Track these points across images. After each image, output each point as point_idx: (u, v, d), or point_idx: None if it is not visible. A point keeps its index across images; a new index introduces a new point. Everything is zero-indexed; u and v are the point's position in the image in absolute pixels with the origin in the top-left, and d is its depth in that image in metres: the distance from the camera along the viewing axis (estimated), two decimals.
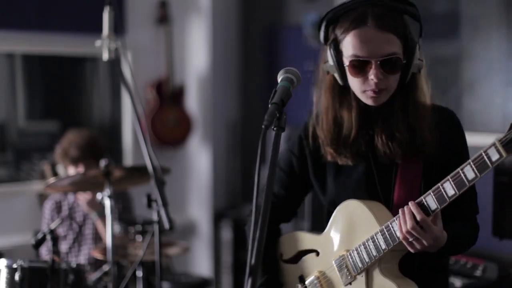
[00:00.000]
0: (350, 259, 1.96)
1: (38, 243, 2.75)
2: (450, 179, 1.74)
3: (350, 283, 1.97)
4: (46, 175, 4.40)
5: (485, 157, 1.69)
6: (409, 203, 1.82)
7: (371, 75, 1.87)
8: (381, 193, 2.00)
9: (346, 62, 1.91)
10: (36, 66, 4.72)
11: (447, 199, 1.76)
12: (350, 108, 1.99)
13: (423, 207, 1.80)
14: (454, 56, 3.92)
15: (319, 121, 2.05)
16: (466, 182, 1.71)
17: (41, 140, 4.71)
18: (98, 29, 2.89)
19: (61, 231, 3.60)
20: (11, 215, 4.41)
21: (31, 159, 4.63)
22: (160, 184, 2.66)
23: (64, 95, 4.86)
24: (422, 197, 1.81)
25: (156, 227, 2.67)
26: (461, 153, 1.97)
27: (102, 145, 3.67)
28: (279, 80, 1.76)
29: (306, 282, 2.10)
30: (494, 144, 1.68)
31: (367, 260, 1.91)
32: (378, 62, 1.86)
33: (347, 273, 1.97)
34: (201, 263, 5.17)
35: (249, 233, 2.11)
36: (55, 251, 2.70)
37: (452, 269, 3.09)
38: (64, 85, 4.86)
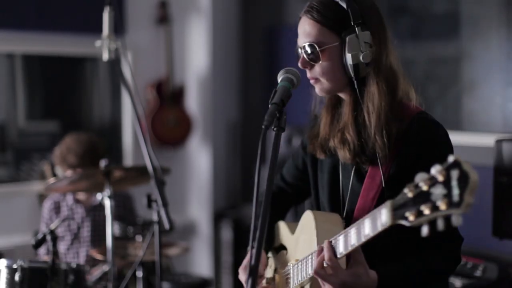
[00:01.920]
0: (293, 271, 1.95)
1: (38, 244, 2.75)
2: (355, 226, 1.64)
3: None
4: (46, 175, 4.40)
5: (378, 215, 1.55)
6: (325, 241, 1.73)
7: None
8: (342, 196, 1.97)
9: None
10: (36, 66, 4.72)
11: (349, 247, 1.65)
12: (326, 106, 2.00)
13: (334, 247, 1.71)
14: (454, 56, 3.92)
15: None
16: (362, 237, 1.60)
17: (41, 140, 4.70)
18: (98, 29, 2.89)
19: (59, 232, 3.60)
20: (11, 215, 4.40)
21: (31, 159, 4.63)
22: (160, 184, 2.66)
23: (64, 95, 4.86)
24: (337, 235, 1.71)
25: (156, 228, 2.67)
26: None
27: (101, 150, 3.64)
28: (279, 80, 1.76)
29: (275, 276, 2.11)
30: (386, 205, 1.51)
31: (299, 278, 1.89)
32: (301, 48, 1.88)
33: (292, 282, 1.96)
34: (201, 263, 5.17)
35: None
36: (55, 251, 2.70)
37: None
38: (64, 85, 4.86)
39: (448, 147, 1.84)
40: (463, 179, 1.32)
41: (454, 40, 3.89)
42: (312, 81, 1.90)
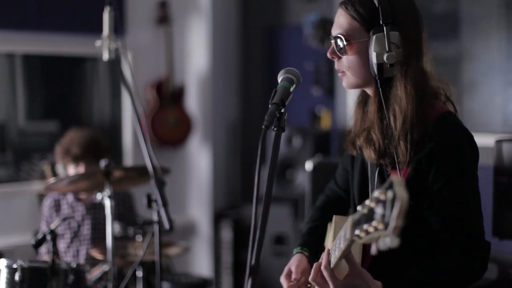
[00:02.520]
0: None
1: (38, 243, 2.75)
2: (338, 239, 1.66)
3: None
4: (46, 175, 4.40)
5: (345, 229, 1.57)
6: (326, 248, 1.74)
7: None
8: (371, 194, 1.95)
9: None
10: (36, 66, 4.72)
11: (334, 258, 1.66)
12: (359, 106, 2.00)
13: (331, 255, 1.71)
14: (454, 56, 3.92)
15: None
16: (340, 250, 1.61)
17: (41, 140, 4.70)
18: (98, 29, 2.88)
19: (58, 230, 3.59)
20: (11, 215, 4.40)
21: (31, 159, 4.63)
22: (160, 184, 2.66)
23: (64, 95, 4.86)
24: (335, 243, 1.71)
25: (156, 227, 2.67)
26: (441, 175, 1.76)
27: (104, 144, 3.66)
28: (279, 80, 1.75)
29: None
30: (348, 221, 1.53)
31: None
32: (331, 39, 1.88)
33: None
34: (201, 263, 5.17)
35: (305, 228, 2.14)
36: (55, 251, 2.69)
37: None
38: (64, 85, 4.85)
39: (464, 153, 1.79)
40: (395, 201, 1.31)
41: (454, 40, 3.89)
42: (340, 74, 1.91)
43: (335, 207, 2.17)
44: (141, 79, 4.88)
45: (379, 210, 1.35)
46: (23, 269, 2.60)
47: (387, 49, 1.79)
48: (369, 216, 1.40)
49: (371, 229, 1.38)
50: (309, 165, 3.94)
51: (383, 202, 1.34)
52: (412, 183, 1.76)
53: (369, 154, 1.87)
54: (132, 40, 4.60)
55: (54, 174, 4.33)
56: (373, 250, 1.37)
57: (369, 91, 1.91)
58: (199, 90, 5.13)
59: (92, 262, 3.48)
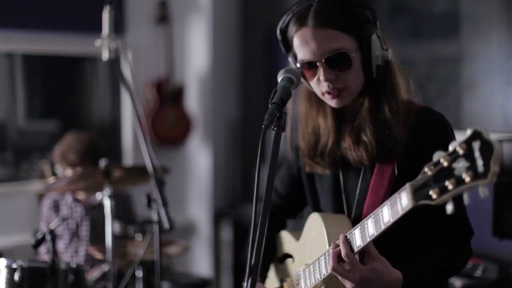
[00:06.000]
0: (304, 275, 1.91)
1: (38, 243, 2.75)
2: (372, 216, 1.62)
3: None
4: (46, 175, 4.39)
5: (397, 200, 1.53)
6: (340, 236, 1.70)
7: (321, 77, 1.78)
8: (346, 202, 1.93)
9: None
10: (36, 66, 4.71)
11: (367, 237, 1.63)
12: (325, 115, 1.91)
13: (350, 242, 1.68)
14: (454, 56, 3.92)
15: (298, 132, 1.99)
16: (382, 225, 1.57)
17: (40, 140, 4.70)
18: (98, 29, 2.88)
19: (57, 230, 3.59)
20: (10, 215, 4.40)
21: (30, 158, 4.63)
22: (160, 184, 2.66)
23: (64, 94, 4.86)
24: (352, 229, 1.69)
25: (156, 227, 2.67)
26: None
27: (101, 150, 3.63)
28: (279, 79, 1.75)
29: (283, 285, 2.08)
30: (406, 188, 1.50)
31: (312, 281, 1.85)
32: (323, 61, 1.76)
33: (304, 287, 1.91)
34: (201, 263, 5.17)
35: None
36: (54, 251, 2.69)
37: None
38: (64, 85, 4.85)
39: (452, 139, 1.83)
40: (487, 149, 1.30)
41: (454, 40, 3.89)
42: (333, 95, 1.80)
43: (275, 217, 2.13)
44: (141, 79, 4.88)
45: (461, 164, 1.34)
46: (22, 269, 2.60)
47: (384, 47, 1.80)
48: (445, 174, 1.37)
49: (450, 186, 1.35)
50: None
51: (467, 155, 1.33)
52: (408, 169, 1.72)
53: (359, 157, 1.84)
54: (132, 40, 4.60)
55: (54, 173, 4.32)
56: (449, 209, 1.36)
57: (359, 97, 1.86)
58: (199, 89, 5.13)
59: (92, 262, 3.48)
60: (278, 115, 1.63)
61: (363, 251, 1.68)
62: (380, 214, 1.58)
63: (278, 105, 1.64)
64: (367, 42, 1.77)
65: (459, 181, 1.34)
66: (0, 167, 4.56)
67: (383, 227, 1.57)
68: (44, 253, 3.51)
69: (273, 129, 1.64)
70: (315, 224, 1.92)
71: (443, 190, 1.38)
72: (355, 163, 1.87)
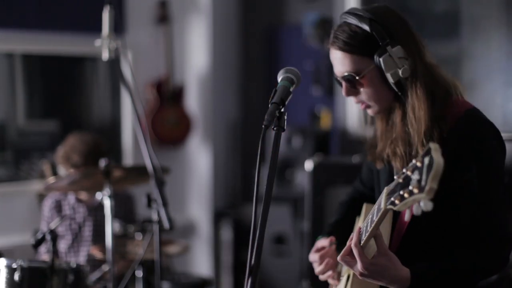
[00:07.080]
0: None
1: (38, 243, 2.75)
2: (371, 213, 1.70)
3: (341, 278, 2.03)
4: (46, 175, 4.39)
5: (380, 200, 1.61)
6: (356, 227, 1.79)
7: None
8: None
9: None
10: (36, 65, 4.71)
11: (365, 233, 1.69)
12: (380, 119, 2.01)
13: (361, 233, 1.73)
14: (454, 56, 3.92)
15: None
16: (372, 222, 1.64)
17: (40, 140, 4.70)
18: (98, 29, 2.88)
19: (59, 231, 3.59)
20: (10, 215, 4.40)
21: (30, 158, 4.63)
22: (160, 184, 2.66)
23: (64, 94, 4.85)
24: (364, 222, 1.74)
25: (156, 227, 2.67)
26: (470, 169, 1.77)
27: (104, 150, 3.63)
28: (279, 79, 1.75)
29: None
30: (384, 190, 1.58)
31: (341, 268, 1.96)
32: (342, 79, 1.89)
33: (342, 269, 2.03)
34: (201, 263, 5.17)
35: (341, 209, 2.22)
36: (55, 251, 2.69)
37: None
38: (64, 85, 4.85)
39: (496, 149, 1.81)
40: (431, 165, 1.36)
41: (454, 40, 3.89)
42: (362, 107, 1.94)
43: (360, 203, 2.17)
44: (141, 79, 4.88)
45: (415, 176, 1.40)
46: (22, 269, 2.60)
47: (398, 66, 1.81)
48: (405, 183, 1.45)
49: (406, 195, 1.43)
50: (309, 165, 3.94)
51: (420, 168, 1.40)
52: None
53: (396, 166, 1.90)
54: (132, 40, 4.60)
55: (54, 173, 4.32)
56: (407, 216, 1.43)
57: (396, 107, 1.92)
58: (199, 89, 5.13)
59: (93, 263, 3.48)
60: (278, 115, 1.64)
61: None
62: (375, 211, 1.66)
63: (278, 105, 1.64)
64: (377, 64, 1.82)
65: (411, 192, 1.42)
66: (0, 167, 4.56)
67: (372, 225, 1.64)
68: (44, 253, 3.50)
69: (273, 129, 1.64)
70: (363, 211, 2.02)
71: (401, 198, 1.46)
72: (397, 170, 1.92)
